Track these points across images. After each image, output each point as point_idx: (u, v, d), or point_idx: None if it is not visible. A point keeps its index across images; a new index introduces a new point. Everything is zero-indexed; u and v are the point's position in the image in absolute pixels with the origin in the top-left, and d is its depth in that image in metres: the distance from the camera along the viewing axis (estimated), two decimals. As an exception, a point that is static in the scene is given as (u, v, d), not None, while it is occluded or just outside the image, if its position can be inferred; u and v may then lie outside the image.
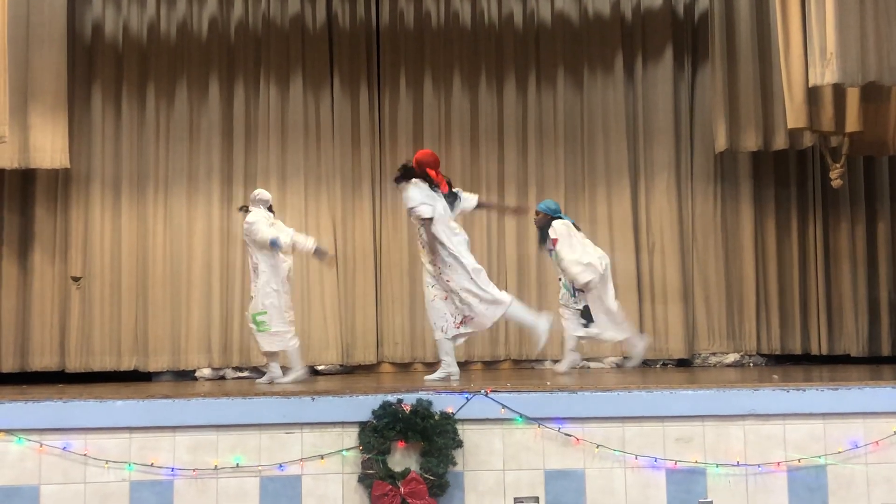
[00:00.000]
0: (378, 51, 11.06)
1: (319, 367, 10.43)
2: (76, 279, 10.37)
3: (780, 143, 10.06)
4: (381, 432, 6.27)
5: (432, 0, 11.10)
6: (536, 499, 6.36)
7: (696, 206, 11.03)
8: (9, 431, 6.23)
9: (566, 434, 6.39)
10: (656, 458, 6.39)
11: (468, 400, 6.44)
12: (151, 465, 6.26)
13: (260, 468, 6.30)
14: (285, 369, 8.43)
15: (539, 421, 6.40)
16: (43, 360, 10.23)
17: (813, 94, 8.53)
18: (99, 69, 10.64)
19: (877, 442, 6.41)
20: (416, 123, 10.97)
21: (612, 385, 6.89)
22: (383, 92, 11.02)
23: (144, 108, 10.66)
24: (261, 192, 8.60)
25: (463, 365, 10.43)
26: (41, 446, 6.22)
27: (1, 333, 10.22)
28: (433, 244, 7.73)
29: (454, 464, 6.29)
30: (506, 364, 10.71)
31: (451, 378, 7.71)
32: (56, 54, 9.74)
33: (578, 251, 8.97)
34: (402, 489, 6.20)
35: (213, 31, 10.83)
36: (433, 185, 7.89)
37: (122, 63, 10.69)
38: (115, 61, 10.70)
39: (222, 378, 10.18)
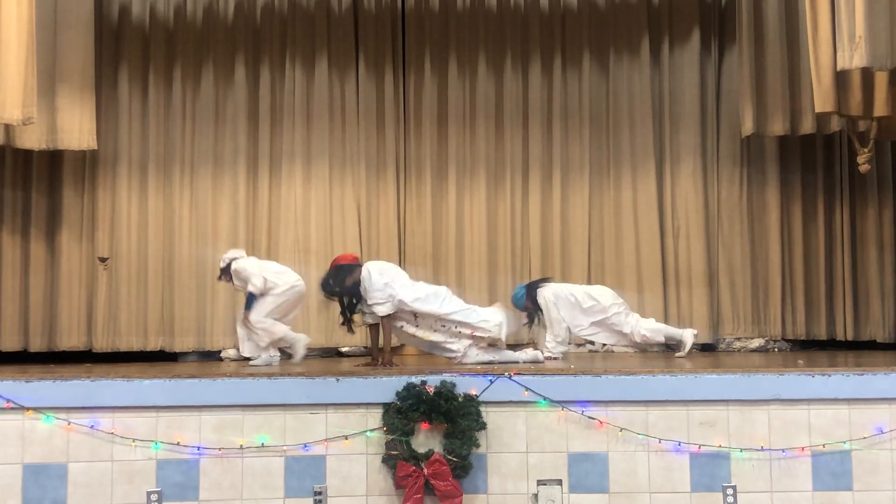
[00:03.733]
0: (403, 33, 11.04)
1: (343, 349, 10.48)
2: (103, 260, 10.45)
3: (807, 127, 9.99)
4: (404, 413, 6.31)
5: (458, -18, 11.09)
6: (559, 481, 6.39)
7: (722, 190, 10.98)
8: (38, 409, 6.31)
9: (589, 417, 6.41)
10: (680, 442, 6.40)
11: (492, 382, 6.47)
12: (177, 443, 6.33)
13: (285, 448, 6.36)
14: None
15: (562, 404, 6.42)
16: (70, 340, 10.32)
17: (841, 77, 8.45)
18: (126, 51, 10.68)
19: (902, 428, 6.40)
20: (441, 106, 10.96)
21: (636, 369, 6.89)
22: (408, 74, 11.01)
23: (171, 90, 10.71)
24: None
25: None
26: (69, 424, 6.30)
27: (29, 313, 10.32)
28: None
29: (477, 446, 6.33)
30: (529, 347, 10.69)
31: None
32: (83, 37, 9.78)
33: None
34: (425, 470, 6.24)
35: (239, 14, 10.85)
36: None
37: (149, 45, 10.73)
38: (141, 44, 10.74)
39: (247, 359, 10.23)
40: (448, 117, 10.91)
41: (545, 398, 6.42)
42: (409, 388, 6.38)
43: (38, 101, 8.33)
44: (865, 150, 9.37)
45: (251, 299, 8.59)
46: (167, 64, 10.74)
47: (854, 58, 7.54)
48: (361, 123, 10.85)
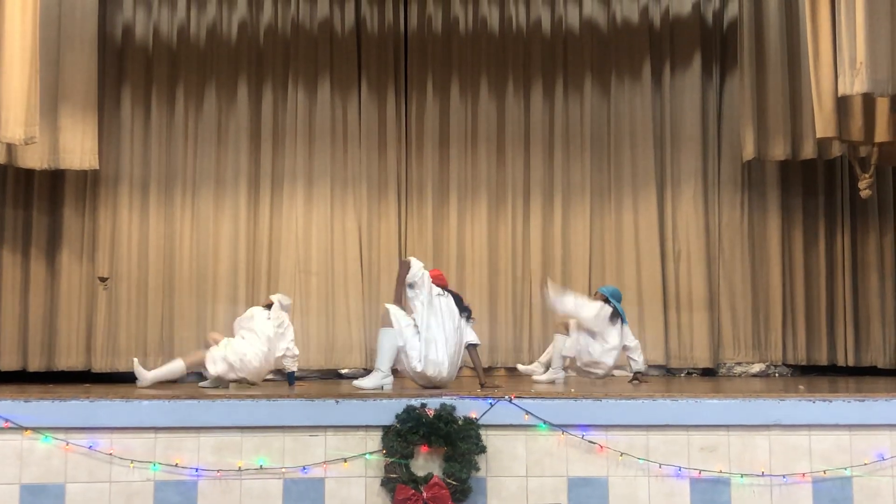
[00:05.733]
0: (406, 55, 11.08)
1: (343, 371, 10.45)
2: (103, 280, 10.44)
3: (808, 152, 9.99)
4: (404, 436, 6.29)
5: (460, 5, 11.11)
6: (559, 506, 6.36)
7: (723, 214, 10.98)
8: (36, 429, 6.29)
9: (590, 441, 6.39)
10: (680, 467, 6.38)
11: (492, 405, 6.45)
12: (176, 465, 6.31)
13: (283, 470, 6.34)
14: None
15: (563, 428, 6.40)
16: (69, 360, 10.28)
17: (842, 103, 8.47)
18: (129, 71, 10.71)
19: (903, 454, 6.38)
20: (443, 128, 10.99)
21: (637, 393, 6.88)
22: (410, 96, 11.04)
23: (173, 110, 10.73)
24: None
25: (487, 371, 10.45)
26: (67, 445, 6.28)
27: (28, 333, 10.29)
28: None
29: (477, 469, 6.30)
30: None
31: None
32: (87, 56, 9.81)
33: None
34: (424, 494, 6.21)
35: (242, 35, 10.88)
36: None
37: (152, 65, 10.76)
38: (144, 63, 10.77)
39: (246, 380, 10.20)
40: (450, 139, 10.93)
41: (545, 422, 6.40)
42: (409, 410, 6.37)
43: (40, 121, 8.33)
44: (866, 175, 9.38)
45: None
46: (170, 84, 10.76)
47: (855, 83, 7.55)
48: (363, 145, 10.87)
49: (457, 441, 6.27)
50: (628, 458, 6.38)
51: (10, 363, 10.14)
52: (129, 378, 9.86)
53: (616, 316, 8.90)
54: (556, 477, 6.38)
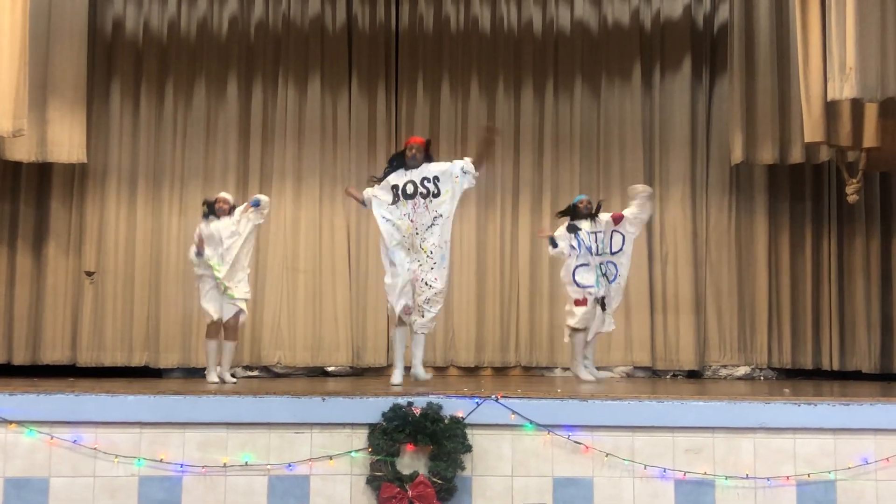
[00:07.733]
0: (396, 54, 11.08)
1: (329, 368, 10.45)
2: (90, 274, 10.41)
3: (796, 156, 10.03)
4: (390, 434, 6.28)
5: (452, 4, 11.12)
6: (544, 505, 6.37)
7: (711, 217, 11.01)
8: (20, 423, 6.26)
9: (575, 442, 6.39)
10: (665, 469, 6.38)
11: (478, 405, 6.44)
12: (161, 460, 6.28)
13: (269, 467, 6.32)
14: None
15: (549, 428, 6.40)
16: (54, 354, 10.27)
17: (831, 108, 8.51)
18: (118, 66, 10.69)
19: (887, 458, 6.39)
20: (433, 127, 10.97)
21: (623, 394, 6.88)
22: (401, 95, 11.04)
23: (163, 105, 10.71)
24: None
25: (473, 370, 10.49)
26: (52, 439, 6.25)
27: (13, 326, 10.27)
28: None
29: (462, 468, 6.30)
30: (516, 370, 10.70)
31: None
32: (76, 50, 9.79)
33: None
34: (409, 492, 6.20)
35: (232, 31, 10.87)
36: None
37: (142, 60, 10.74)
38: (134, 58, 10.75)
39: (232, 376, 10.17)
40: (440, 138, 10.90)
41: (531, 422, 6.40)
42: (396, 409, 6.35)
43: (28, 114, 8.34)
44: (854, 180, 9.42)
45: None
46: (159, 79, 10.74)
47: (844, 88, 7.58)
48: (353, 142, 10.87)
49: (443, 440, 6.26)
50: (613, 458, 6.38)
51: (-6, 356, 10.13)
52: (113, 373, 9.89)
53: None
54: (541, 477, 6.38)
